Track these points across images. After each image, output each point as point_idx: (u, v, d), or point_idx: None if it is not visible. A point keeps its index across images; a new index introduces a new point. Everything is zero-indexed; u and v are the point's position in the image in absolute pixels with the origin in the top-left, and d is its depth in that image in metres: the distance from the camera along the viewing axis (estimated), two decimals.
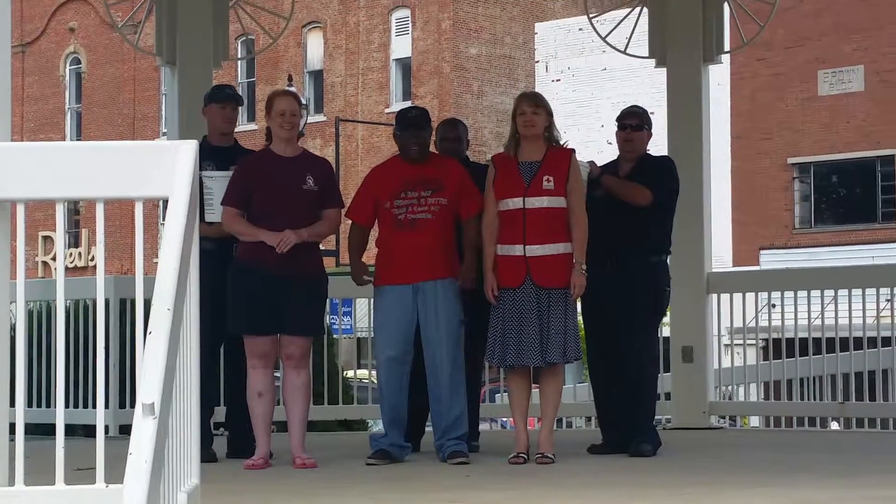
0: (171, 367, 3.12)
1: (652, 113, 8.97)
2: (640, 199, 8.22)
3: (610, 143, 8.72)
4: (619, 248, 8.20)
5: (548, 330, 7.77)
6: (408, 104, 41.04)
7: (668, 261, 8.56)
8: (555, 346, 7.76)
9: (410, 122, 8.08)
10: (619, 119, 8.61)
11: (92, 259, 47.72)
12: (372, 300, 8.85)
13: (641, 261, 8.32)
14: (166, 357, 3.07)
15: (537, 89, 38.14)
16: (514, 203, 7.84)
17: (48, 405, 10.72)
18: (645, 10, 10.94)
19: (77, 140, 47.59)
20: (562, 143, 8.06)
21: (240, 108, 8.67)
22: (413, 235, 7.92)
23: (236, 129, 8.79)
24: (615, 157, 8.63)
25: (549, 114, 8.00)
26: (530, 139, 7.93)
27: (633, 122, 8.51)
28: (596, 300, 8.03)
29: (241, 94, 15.97)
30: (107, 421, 10.20)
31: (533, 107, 7.97)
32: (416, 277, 7.92)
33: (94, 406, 9.37)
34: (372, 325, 8.70)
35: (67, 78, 48.64)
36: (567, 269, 7.82)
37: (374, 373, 9.80)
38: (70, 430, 10.59)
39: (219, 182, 8.06)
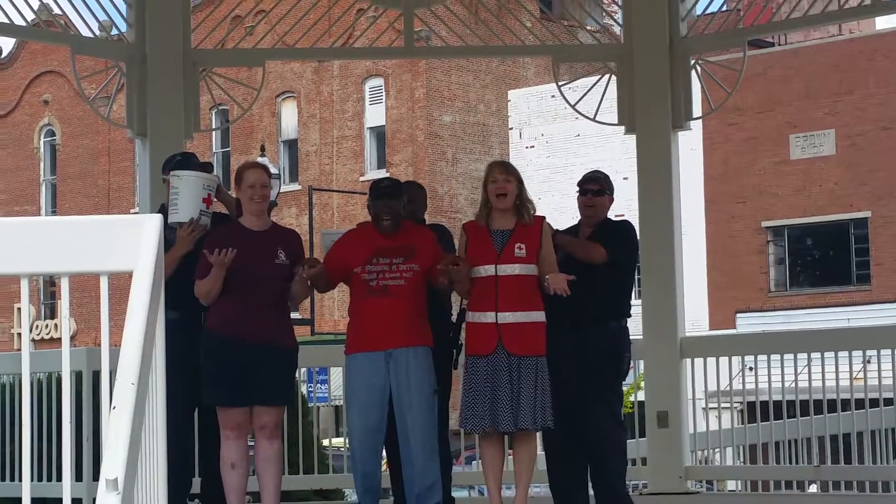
0: (135, 442, 3.11)
1: (625, 178, 9.03)
2: (595, 257, 8.24)
3: None
4: (578, 315, 8.19)
5: (518, 397, 7.75)
6: (382, 172, 41.19)
7: (627, 325, 8.57)
8: (526, 412, 7.74)
9: (382, 193, 8.05)
10: (580, 184, 8.65)
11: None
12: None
13: (600, 327, 8.33)
14: (130, 432, 3.07)
15: (511, 156, 38.35)
16: (486, 270, 7.82)
17: (21, 479, 10.62)
18: (613, 77, 11.02)
19: (52, 212, 47.59)
20: (533, 213, 8.02)
21: None
22: (385, 301, 7.88)
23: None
24: (576, 222, 8.68)
25: (520, 182, 8.01)
26: (501, 208, 7.95)
27: (594, 188, 8.57)
28: (554, 367, 7.98)
29: (214, 164, 16.02)
30: (80, 494, 10.12)
31: (504, 174, 7.99)
32: (387, 344, 7.88)
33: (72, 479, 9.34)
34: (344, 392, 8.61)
35: (42, 150, 48.69)
36: (539, 338, 7.83)
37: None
38: (44, 503, 10.54)
39: (185, 181, 8.00)
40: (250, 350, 7.68)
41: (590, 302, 8.20)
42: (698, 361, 10.91)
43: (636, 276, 9.13)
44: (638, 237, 8.82)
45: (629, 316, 8.56)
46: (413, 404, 7.88)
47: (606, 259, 8.26)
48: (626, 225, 8.63)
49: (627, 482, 9.70)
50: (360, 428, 7.97)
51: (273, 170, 29.35)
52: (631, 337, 8.70)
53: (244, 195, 7.87)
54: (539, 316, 7.85)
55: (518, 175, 8.03)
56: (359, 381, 7.99)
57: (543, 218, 8.05)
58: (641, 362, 11.00)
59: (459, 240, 8.04)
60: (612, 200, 8.62)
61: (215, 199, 8.15)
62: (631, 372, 11.71)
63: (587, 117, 11.18)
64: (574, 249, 8.29)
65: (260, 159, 29.69)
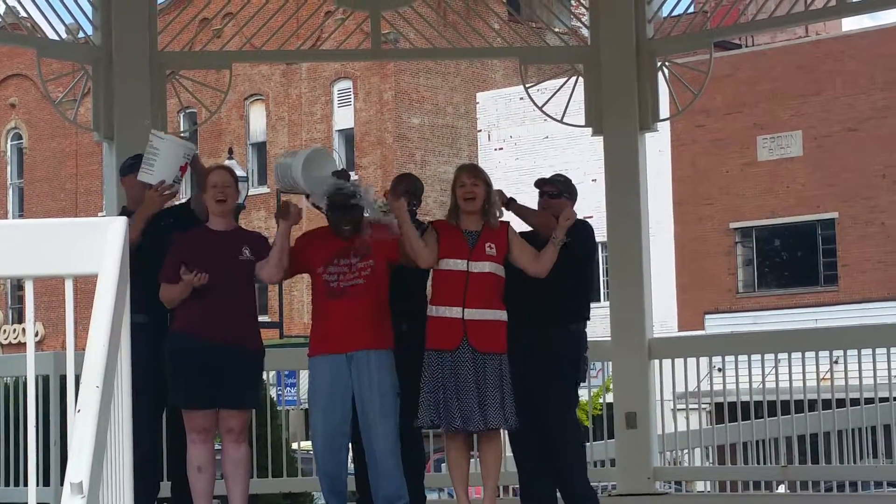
0: (100, 445, 3.10)
1: (594, 180, 9.04)
2: (549, 230, 8.23)
3: None
4: (540, 315, 8.22)
5: (485, 395, 7.75)
6: (351, 175, 41.09)
7: (585, 328, 8.61)
8: (496, 411, 7.75)
9: (341, 206, 7.98)
10: (537, 185, 8.69)
11: (36, 335, 47.39)
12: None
13: (561, 328, 8.36)
14: (95, 435, 3.06)
15: (480, 158, 38.34)
16: (458, 264, 7.84)
17: None
18: (581, 79, 11.03)
19: (20, 216, 47.37)
20: (500, 217, 8.06)
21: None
22: (345, 303, 7.88)
23: (183, 199, 8.79)
24: None
25: (488, 185, 8.02)
26: (469, 211, 7.95)
27: (550, 190, 8.61)
28: (514, 365, 7.98)
29: None
30: (48, 499, 10.08)
31: (472, 178, 8.01)
32: (348, 346, 7.86)
33: (40, 484, 9.28)
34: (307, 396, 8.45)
35: (9, 153, 48.45)
36: (501, 336, 7.85)
37: None
38: None
39: (167, 144, 8.01)
40: (215, 352, 7.67)
41: (551, 303, 8.23)
42: (667, 363, 10.93)
43: (604, 278, 9.16)
44: (596, 239, 8.81)
45: (588, 318, 8.59)
46: (376, 408, 7.85)
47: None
48: (586, 225, 8.66)
49: (597, 483, 9.73)
50: (323, 430, 7.94)
51: (241, 173, 29.27)
52: (599, 339, 8.74)
53: (208, 196, 7.89)
54: (502, 315, 7.89)
55: (486, 178, 8.06)
56: (321, 383, 7.97)
57: (508, 223, 8.10)
58: (610, 364, 11.02)
59: (428, 235, 8.03)
60: (571, 203, 8.63)
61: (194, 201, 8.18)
62: (599, 374, 11.74)
63: (555, 119, 11.19)
64: (528, 218, 8.31)
65: (227, 162, 29.62)
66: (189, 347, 7.71)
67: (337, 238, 8.01)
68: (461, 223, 7.98)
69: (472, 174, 8.06)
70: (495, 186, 8.19)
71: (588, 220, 8.79)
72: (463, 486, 7.92)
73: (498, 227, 8.00)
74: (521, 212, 8.35)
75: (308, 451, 17.52)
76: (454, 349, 7.78)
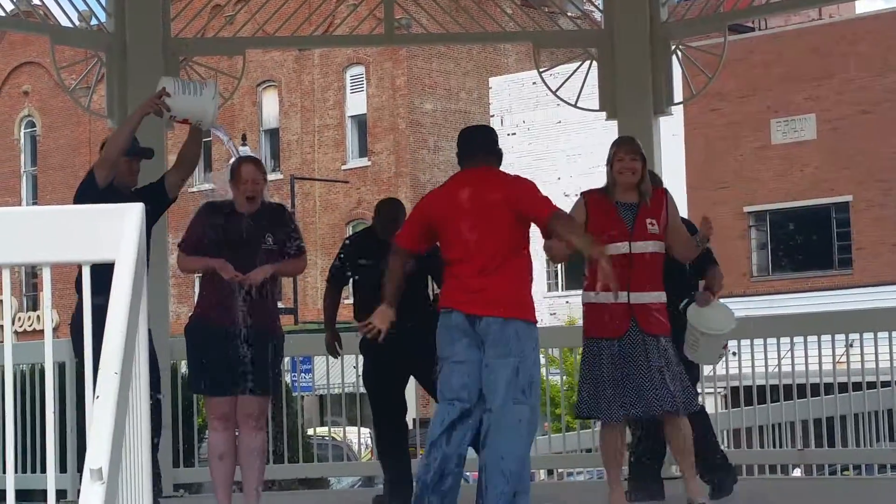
0: (119, 431, 3.11)
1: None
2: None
3: (566, 196, 8.73)
4: (678, 296, 8.08)
5: (662, 379, 7.38)
6: (364, 161, 41.14)
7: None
8: (660, 395, 7.39)
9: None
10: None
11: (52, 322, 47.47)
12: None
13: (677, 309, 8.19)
14: (114, 421, 3.06)
15: None
16: (618, 248, 7.41)
17: (4, 471, 10.62)
18: (594, 63, 11.02)
19: (34, 203, 47.48)
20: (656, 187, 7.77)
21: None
22: None
23: (194, 189, 8.79)
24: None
25: (645, 159, 7.72)
26: (626, 183, 7.61)
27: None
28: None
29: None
30: (65, 485, 10.12)
31: (631, 153, 7.65)
32: None
33: (57, 470, 9.35)
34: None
35: (22, 141, 48.56)
36: (666, 317, 7.56)
37: (335, 430, 9.62)
38: (29, 495, 10.54)
39: (210, 103, 7.89)
40: (233, 337, 7.65)
41: (679, 284, 8.14)
42: None
43: None
44: None
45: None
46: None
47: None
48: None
49: None
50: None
51: (262, 164, 29.27)
52: None
53: (238, 190, 7.85)
54: (664, 296, 7.56)
55: (643, 152, 7.73)
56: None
57: (665, 190, 7.81)
58: None
59: (576, 208, 7.66)
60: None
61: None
62: None
63: (568, 103, 11.18)
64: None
65: (242, 149, 29.63)
66: (209, 334, 7.70)
67: None
68: (616, 196, 7.61)
69: (630, 149, 7.69)
70: (508, 171, 8.01)
71: None
72: (617, 469, 7.61)
73: (654, 198, 7.64)
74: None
75: (323, 437, 17.53)
76: (622, 336, 7.43)
